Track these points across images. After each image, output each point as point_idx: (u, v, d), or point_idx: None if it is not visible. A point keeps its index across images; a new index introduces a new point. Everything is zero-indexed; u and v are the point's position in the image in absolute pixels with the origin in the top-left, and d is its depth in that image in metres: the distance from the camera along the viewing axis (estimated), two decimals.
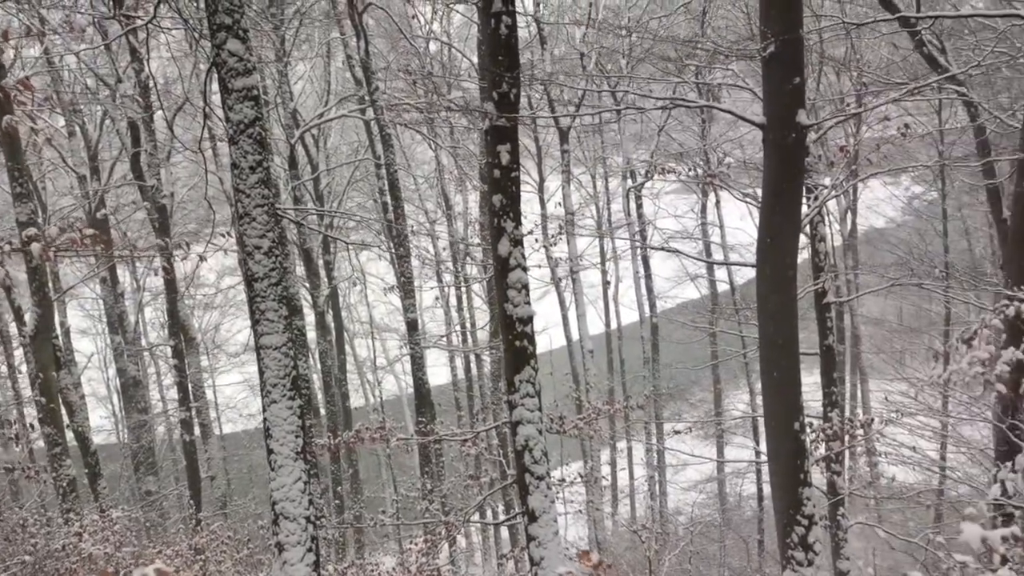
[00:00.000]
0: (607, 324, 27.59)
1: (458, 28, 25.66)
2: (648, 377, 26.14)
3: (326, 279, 24.68)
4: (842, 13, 12.30)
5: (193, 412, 20.39)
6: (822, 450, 9.94)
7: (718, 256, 26.29)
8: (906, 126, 9.21)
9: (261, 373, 6.89)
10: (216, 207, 13.38)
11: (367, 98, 18.71)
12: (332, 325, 25.20)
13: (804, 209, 9.87)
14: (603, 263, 26.47)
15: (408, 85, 16.18)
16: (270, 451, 6.86)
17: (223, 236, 9.73)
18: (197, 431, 20.71)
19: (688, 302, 29.87)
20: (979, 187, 17.43)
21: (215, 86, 6.87)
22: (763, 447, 9.24)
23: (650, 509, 25.22)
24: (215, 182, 20.22)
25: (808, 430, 8.60)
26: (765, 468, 15.79)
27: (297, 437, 7.27)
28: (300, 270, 23.53)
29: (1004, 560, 2.58)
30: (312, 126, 22.02)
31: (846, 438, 9.97)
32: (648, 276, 26.03)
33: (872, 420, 10.10)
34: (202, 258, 9.17)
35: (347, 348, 27.82)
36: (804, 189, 11.33)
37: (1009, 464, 5.81)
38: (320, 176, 24.01)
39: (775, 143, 7.31)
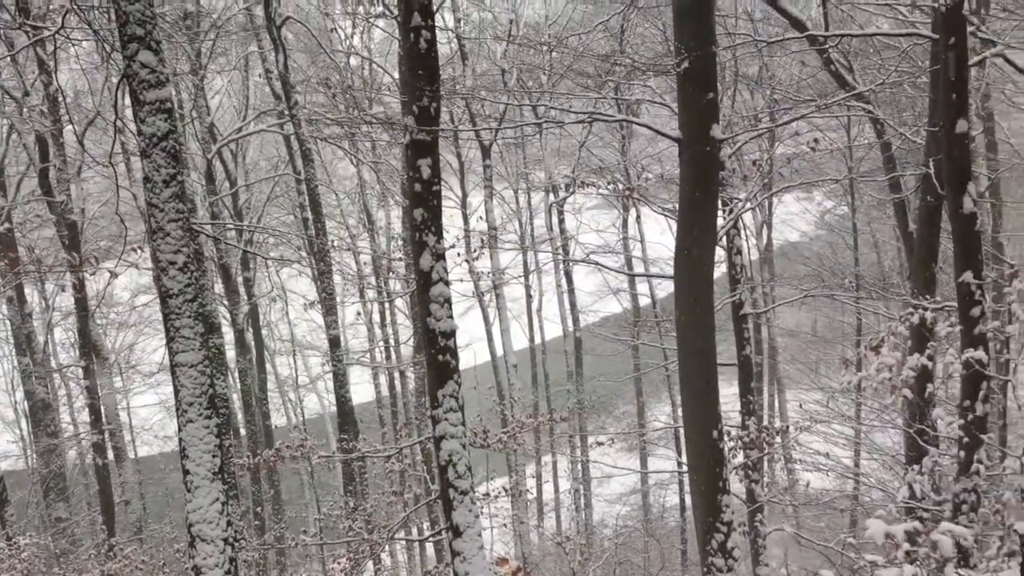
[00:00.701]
0: (531, 338, 27.70)
1: (379, 43, 25.58)
2: (572, 391, 26.29)
3: (245, 296, 24.23)
4: (754, 32, 12.63)
5: (106, 435, 19.74)
6: (740, 458, 10.14)
7: (639, 269, 26.68)
8: (815, 140, 9.53)
9: (177, 392, 6.73)
10: (129, 223, 12.99)
11: (286, 112, 18.50)
12: (252, 343, 24.73)
13: (720, 221, 10.09)
14: (526, 277, 26.59)
15: (329, 99, 16.06)
16: (186, 472, 6.70)
17: (135, 252, 9.46)
18: (110, 455, 20.04)
19: (611, 316, 30.21)
20: (886, 201, 18.06)
21: (128, 99, 6.72)
22: (685, 458, 9.38)
23: (575, 522, 25.33)
24: (128, 197, 19.63)
25: (726, 439, 8.77)
26: (687, 479, 16.05)
27: (214, 457, 7.10)
28: (219, 287, 23.05)
29: (910, 557, 2.66)
30: (230, 140, 21.66)
31: (764, 446, 10.19)
32: (571, 290, 26.24)
33: (787, 428, 10.38)
34: (113, 274, 8.92)
35: (268, 366, 27.32)
36: (720, 202, 11.61)
37: (916, 467, 6.02)
38: (239, 191, 23.60)
39: (690, 157, 7.48)
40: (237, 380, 23.96)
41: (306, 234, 20.35)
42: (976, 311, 7.05)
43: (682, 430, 10.36)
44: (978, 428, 7.00)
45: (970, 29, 8.74)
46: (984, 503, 6.78)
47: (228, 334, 23.79)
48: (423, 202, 8.98)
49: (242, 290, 24.00)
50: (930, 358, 6.53)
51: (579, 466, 25.88)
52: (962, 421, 6.90)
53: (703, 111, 7.37)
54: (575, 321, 26.50)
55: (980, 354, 6.14)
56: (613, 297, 29.37)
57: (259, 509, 22.41)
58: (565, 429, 26.21)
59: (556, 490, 27.59)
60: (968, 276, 7.17)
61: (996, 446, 9.63)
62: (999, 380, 6.18)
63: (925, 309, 7.01)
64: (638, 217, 25.44)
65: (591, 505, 26.08)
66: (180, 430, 6.65)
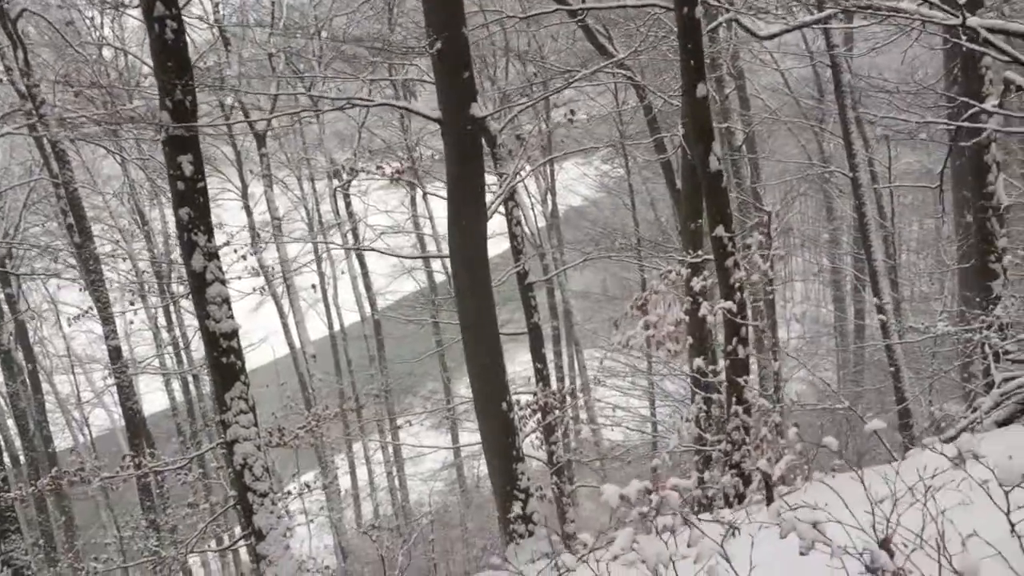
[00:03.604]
0: (329, 325, 27.24)
1: (135, 32, 24.03)
2: (376, 374, 26.12)
3: (10, 314, 22.26)
4: (507, 8, 12.87)
5: None
6: (531, 425, 10.44)
7: (432, 247, 26.79)
8: (572, 112, 9.83)
9: None
10: None
11: (34, 113, 17.03)
12: (24, 363, 22.79)
13: (491, 197, 10.27)
14: (319, 265, 26.07)
15: (81, 96, 14.92)
16: None
17: None
18: None
19: (408, 295, 30.20)
20: (655, 162, 19.00)
21: None
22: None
23: (391, 504, 25.31)
24: None
25: (516, 408, 9.01)
26: None
27: None
28: None
29: (644, 516, 2.84)
30: None
31: (553, 411, 10.54)
32: (365, 274, 25.97)
33: (573, 390, 10.77)
34: None
35: (46, 386, 25.30)
36: (497, 176, 11.81)
37: (683, 414, 6.42)
38: None
39: (452, 136, 7.54)
40: (9, 405, 22.07)
41: (72, 241, 18.90)
42: (730, 262, 7.57)
43: None
44: (741, 369, 7.55)
45: None
46: (750, 436, 7.33)
47: None
48: (188, 200, 8.60)
49: (5, 307, 22.04)
50: (689, 312, 6.95)
51: (390, 449, 25.82)
52: (727, 364, 7.42)
53: (460, 91, 7.43)
54: (372, 304, 26.28)
55: (728, 304, 6.60)
56: (409, 277, 29.36)
57: (51, 540, 20.85)
58: (373, 414, 26.05)
59: (370, 475, 27.42)
60: (720, 230, 7.67)
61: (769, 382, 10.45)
62: (751, 326, 6.66)
63: (683, 264, 7.46)
64: (425, 195, 25.48)
65: (406, 486, 26.11)
66: None
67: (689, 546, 2.63)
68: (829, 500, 4.07)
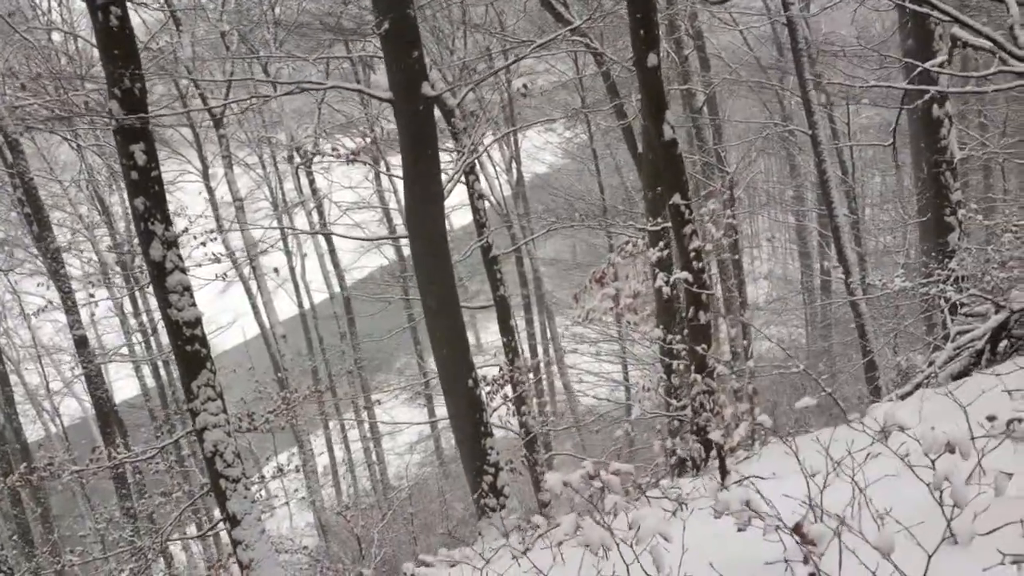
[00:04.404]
0: (299, 304, 27.13)
1: (84, 14, 23.53)
2: (348, 352, 26.09)
3: None
4: None
5: None
6: (499, 399, 10.51)
7: (398, 222, 26.66)
8: (525, 86, 9.81)
9: None
10: None
11: None
12: None
13: (452, 172, 10.25)
14: (285, 244, 25.90)
15: (28, 85, 14.62)
16: None
17: None
18: None
19: (377, 269, 30.10)
20: (616, 128, 18.98)
21: None
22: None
23: (370, 480, 25.42)
24: None
25: (483, 383, 9.07)
26: None
27: None
28: None
29: (591, 499, 2.91)
30: None
31: (523, 384, 10.63)
32: (332, 251, 25.85)
33: (539, 364, 10.84)
34: None
35: (13, 377, 25.06)
36: (457, 152, 11.78)
37: (642, 383, 6.51)
38: None
39: (404, 116, 7.51)
40: None
41: (30, 231, 18.63)
42: (688, 229, 7.63)
43: None
44: (702, 336, 7.64)
45: None
46: (712, 401, 7.45)
47: None
48: (143, 190, 8.51)
49: None
50: (651, 282, 7.02)
51: (367, 425, 25.88)
52: (687, 331, 7.51)
53: (410, 70, 7.39)
54: (340, 280, 26.18)
55: (684, 274, 6.67)
56: (377, 251, 29.26)
57: (27, 533, 20.74)
58: (347, 392, 26.05)
59: (348, 452, 27.49)
60: (676, 198, 7.73)
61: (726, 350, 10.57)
62: (706, 294, 6.74)
63: (642, 233, 7.52)
64: (389, 171, 25.32)
65: (384, 460, 26.22)
66: None
67: (630, 528, 2.70)
68: (778, 468, 4.19)
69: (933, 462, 2.55)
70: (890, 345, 16.36)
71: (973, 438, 2.85)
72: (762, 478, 3.97)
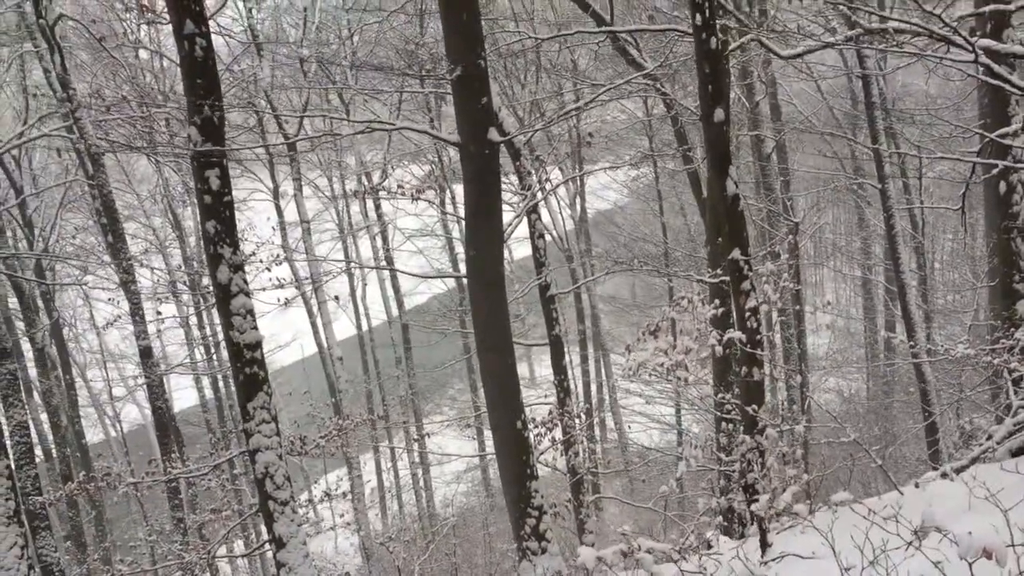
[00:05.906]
0: (358, 326, 27.47)
1: (170, 35, 24.37)
2: (402, 377, 26.29)
3: (45, 310, 22.75)
4: (532, 29, 12.97)
5: None
6: (547, 442, 10.51)
7: (460, 251, 26.88)
8: (590, 135, 9.89)
9: None
10: None
11: (71, 116, 17.38)
12: (57, 359, 23.28)
13: (510, 217, 10.36)
14: (348, 267, 26.32)
15: (114, 104, 15.20)
16: None
17: None
18: None
19: (435, 297, 30.37)
20: (681, 172, 18.98)
21: None
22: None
23: (416, 506, 25.47)
24: None
25: (532, 425, 9.10)
26: None
27: (7, 500, 6.76)
28: (13, 302, 21.59)
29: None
30: (11, 147, 20.17)
31: (568, 430, 10.63)
32: (393, 276, 26.18)
33: (589, 408, 10.82)
34: None
35: (79, 380, 25.83)
36: (524, 193, 11.92)
37: (691, 437, 6.48)
38: (26, 200, 22.03)
39: (469, 160, 7.64)
40: (43, 401, 22.54)
41: (106, 241, 19.26)
42: (745, 286, 7.61)
43: None
44: (756, 394, 7.58)
45: (721, 23, 9.29)
46: (762, 460, 7.37)
47: (29, 352, 22.42)
48: (215, 214, 8.75)
49: (40, 303, 22.53)
50: (697, 338, 7.02)
51: (416, 453, 26.00)
52: (740, 389, 7.46)
53: (477, 116, 7.53)
54: (399, 306, 26.47)
55: (738, 335, 6.64)
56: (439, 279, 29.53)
57: (81, 535, 21.27)
58: (399, 415, 26.24)
59: (396, 477, 27.63)
60: (736, 254, 7.71)
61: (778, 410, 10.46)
62: (761, 354, 6.70)
63: (701, 285, 7.52)
64: (454, 197, 25.62)
65: (431, 487, 26.28)
66: None
67: None
68: (817, 549, 4.13)
69: (971, 565, 2.52)
70: (952, 408, 15.95)
71: (1012, 545, 2.80)
72: (802, 557, 3.94)
